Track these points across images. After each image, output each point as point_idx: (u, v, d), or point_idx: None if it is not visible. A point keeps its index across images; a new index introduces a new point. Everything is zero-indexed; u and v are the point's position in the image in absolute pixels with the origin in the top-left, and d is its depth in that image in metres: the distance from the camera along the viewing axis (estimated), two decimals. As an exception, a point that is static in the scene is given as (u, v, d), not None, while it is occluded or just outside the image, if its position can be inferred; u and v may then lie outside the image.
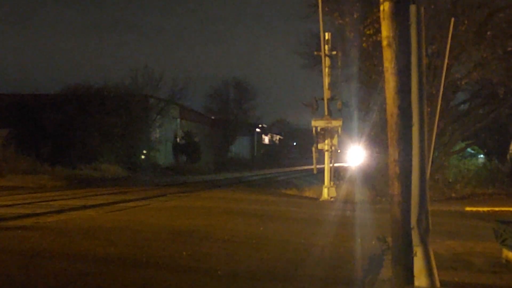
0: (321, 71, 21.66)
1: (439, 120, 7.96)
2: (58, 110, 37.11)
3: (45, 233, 9.84)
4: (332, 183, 21.22)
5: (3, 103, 37.72)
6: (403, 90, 5.65)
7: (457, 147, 29.41)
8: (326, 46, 20.68)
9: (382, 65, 5.92)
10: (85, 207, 14.94)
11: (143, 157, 44.77)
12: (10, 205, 15.17)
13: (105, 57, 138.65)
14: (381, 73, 14.90)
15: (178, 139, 54.67)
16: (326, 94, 20.69)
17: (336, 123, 20.48)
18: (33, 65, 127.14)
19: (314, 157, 21.14)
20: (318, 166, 21.92)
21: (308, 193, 25.18)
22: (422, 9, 5.72)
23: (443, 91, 6.83)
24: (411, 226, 5.68)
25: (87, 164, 35.85)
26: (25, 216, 12.43)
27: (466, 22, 20.95)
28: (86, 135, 36.72)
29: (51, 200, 17.14)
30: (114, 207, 15.15)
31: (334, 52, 21.27)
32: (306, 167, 54.28)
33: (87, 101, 37.91)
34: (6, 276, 6.56)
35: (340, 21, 22.64)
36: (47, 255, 7.80)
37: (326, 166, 21.09)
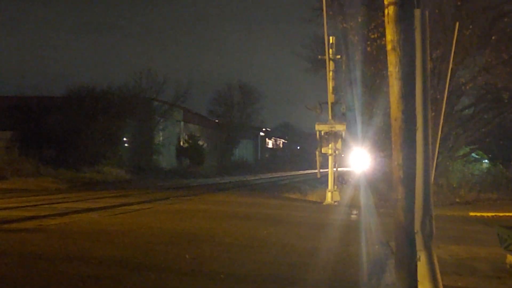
0: (325, 75, 21.64)
1: (443, 125, 7.93)
2: (62, 113, 37.09)
3: (48, 235, 9.85)
4: (336, 187, 21.17)
5: (6, 106, 37.73)
6: (408, 94, 5.64)
7: (462, 152, 29.36)
8: (331, 50, 20.65)
9: (387, 69, 5.91)
10: (88, 210, 14.94)
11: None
12: (13, 208, 15.19)
13: (108, 60, 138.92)
14: (385, 77, 14.91)
15: (181, 142, 54.69)
16: (330, 98, 20.67)
17: (340, 127, 20.43)
18: (36, 67, 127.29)
19: (318, 161, 21.10)
20: (322, 170, 21.87)
21: (312, 197, 25.12)
22: (427, 13, 5.71)
23: (447, 95, 6.82)
24: (415, 231, 5.65)
25: (91, 167, 35.87)
26: (28, 218, 12.44)
27: (470, 26, 20.94)
28: (90, 137, 36.70)
29: (55, 203, 17.16)
30: (117, 210, 15.15)
31: (338, 56, 21.25)
32: (310, 171, 54.24)
33: (91, 104, 37.88)
34: (9, 278, 6.55)
35: (344, 25, 22.65)
36: (50, 257, 7.80)
37: (330, 170, 21.05)
